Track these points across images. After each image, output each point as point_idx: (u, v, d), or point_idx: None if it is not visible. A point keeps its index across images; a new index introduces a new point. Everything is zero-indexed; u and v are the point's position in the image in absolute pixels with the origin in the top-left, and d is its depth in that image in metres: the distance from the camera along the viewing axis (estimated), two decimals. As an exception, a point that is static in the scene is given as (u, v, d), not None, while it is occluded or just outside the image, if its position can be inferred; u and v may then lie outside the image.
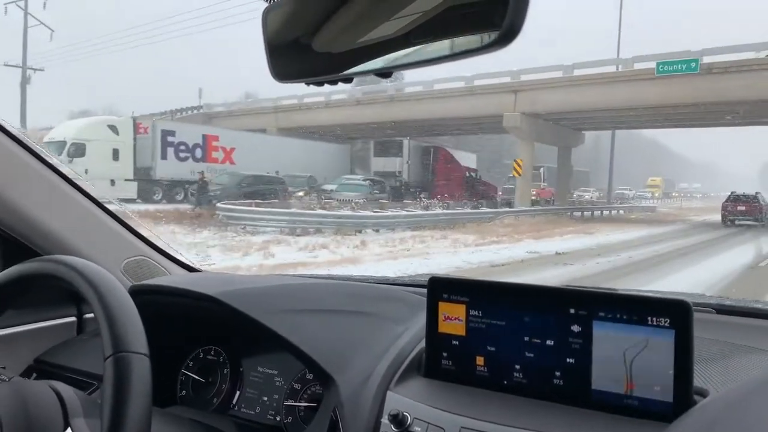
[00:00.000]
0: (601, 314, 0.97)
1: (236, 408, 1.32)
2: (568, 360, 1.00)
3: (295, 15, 0.83)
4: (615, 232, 20.16)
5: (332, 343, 1.15)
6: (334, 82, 0.82)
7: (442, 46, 0.68)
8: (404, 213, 20.56)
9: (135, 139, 26.30)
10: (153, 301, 1.30)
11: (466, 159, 39.09)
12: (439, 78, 34.37)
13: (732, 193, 28.20)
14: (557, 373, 1.01)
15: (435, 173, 34.98)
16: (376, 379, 1.06)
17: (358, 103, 34.51)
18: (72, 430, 0.85)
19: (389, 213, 19.89)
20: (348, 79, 0.80)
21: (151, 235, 1.62)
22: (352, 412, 1.02)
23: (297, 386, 1.26)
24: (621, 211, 35.48)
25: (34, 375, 1.38)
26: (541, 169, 36.67)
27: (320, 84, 0.84)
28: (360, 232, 16.30)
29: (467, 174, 35.59)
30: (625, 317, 0.95)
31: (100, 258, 1.46)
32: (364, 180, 29.84)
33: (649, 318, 0.93)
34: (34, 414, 0.85)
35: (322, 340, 1.15)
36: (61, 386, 0.92)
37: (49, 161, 1.39)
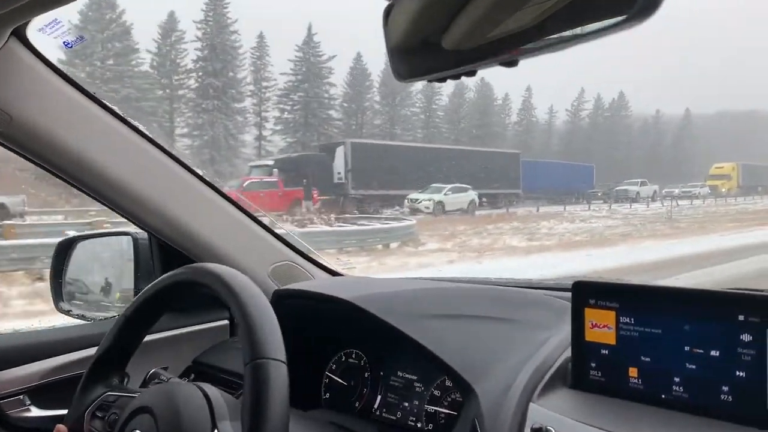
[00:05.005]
0: None
1: (377, 412, 1.32)
2: (737, 373, 0.89)
3: (420, 13, 0.82)
4: None
5: (471, 351, 1.12)
6: (457, 77, 0.80)
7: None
8: None
9: None
10: (297, 304, 1.35)
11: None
12: None
13: None
14: (724, 388, 0.91)
15: None
16: (518, 389, 1.01)
17: None
18: (218, 431, 0.89)
19: None
20: (471, 73, 0.78)
21: (296, 241, 1.71)
22: (493, 425, 0.98)
23: (437, 393, 1.24)
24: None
25: (192, 375, 1.48)
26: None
27: (443, 80, 0.82)
28: None
29: None
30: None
31: (251, 264, 1.55)
32: None
33: None
34: (185, 415, 0.90)
35: (460, 348, 1.12)
36: (210, 389, 0.97)
37: (202, 175, 1.50)
